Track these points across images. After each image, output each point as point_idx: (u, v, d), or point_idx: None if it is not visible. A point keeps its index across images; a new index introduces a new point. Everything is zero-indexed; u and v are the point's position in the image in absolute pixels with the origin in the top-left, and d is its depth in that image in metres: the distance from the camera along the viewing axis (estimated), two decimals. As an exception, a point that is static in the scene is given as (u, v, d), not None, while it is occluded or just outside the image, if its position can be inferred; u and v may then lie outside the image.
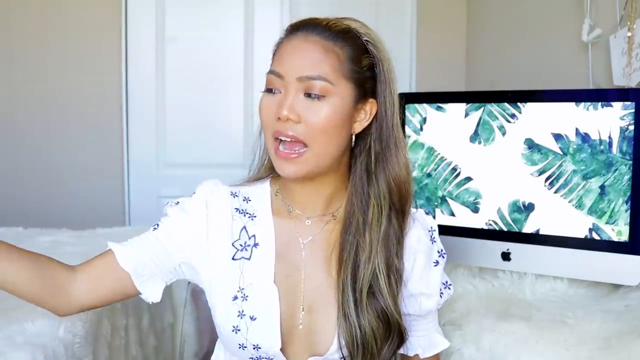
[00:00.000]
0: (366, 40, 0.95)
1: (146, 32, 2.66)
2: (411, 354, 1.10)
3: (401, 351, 1.08)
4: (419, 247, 1.03)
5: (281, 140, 0.93)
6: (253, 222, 1.01)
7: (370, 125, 0.98)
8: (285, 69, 0.93)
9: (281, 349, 0.97)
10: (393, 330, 0.98)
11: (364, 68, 0.95)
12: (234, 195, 1.02)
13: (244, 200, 1.03)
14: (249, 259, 0.99)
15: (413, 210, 1.04)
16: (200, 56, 2.70)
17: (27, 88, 2.62)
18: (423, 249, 1.04)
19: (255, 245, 1.00)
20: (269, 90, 0.95)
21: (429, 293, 1.05)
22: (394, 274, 0.99)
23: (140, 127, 2.69)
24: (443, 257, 1.07)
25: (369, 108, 0.97)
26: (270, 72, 0.95)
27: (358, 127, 0.97)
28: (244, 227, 1.01)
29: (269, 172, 1.06)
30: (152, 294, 0.99)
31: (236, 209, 1.01)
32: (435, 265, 1.05)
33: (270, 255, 1.00)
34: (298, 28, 0.95)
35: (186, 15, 2.68)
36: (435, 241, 1.06)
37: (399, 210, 1.00)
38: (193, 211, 0.99)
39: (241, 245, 1.00)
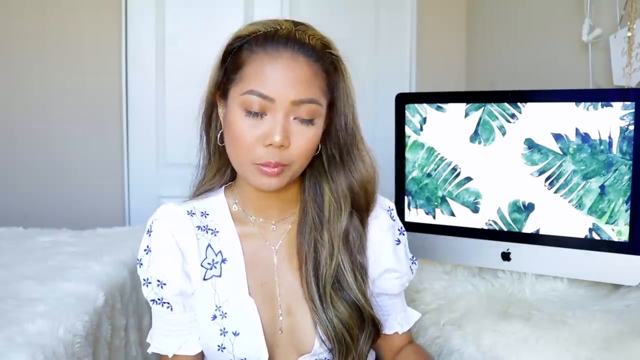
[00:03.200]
0: (330, 52, 0.94)
1: (146, 32, 2.66)
2: (390, 333, 1.08)
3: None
4: (383, 233, 1.04)
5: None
6: (217, 237, 0.99)
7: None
8: (277, 92, 0.88)
9: (269, 357, 0.97)
10: (367, 322, 0.98)
11: (332, 81, 0.95)
12: (191, 213, 0.99)
13: (202, 215, 1.00)
14: (219, 276, 0.98)
15: None
16: (200, 56, 2.68)
17: (27, 88, 2.62)
18: (386, 230, 1.04)
19: (224, 261, 0.98)
20: (251, 113, 0.89)
21: (400, 270, 1.05)
22: (358, 269, 0.99)
23: (140, 127, 2.69)
24: (403, 234, 1.08)
25: (330, 114, 0.97)
26: (256, 93, 0.88)
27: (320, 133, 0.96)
28: (209, 245, 0.98)
29: (217, 179, 1.04)
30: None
31: (197, 226, 0.98)
32: (397, 244, 1.06)
33: (240, 268, 0.98)
34: (280, 43, 0.90)
35: (186, 16, 2.68)
36: (395, 219, 1.07)
37: (362, 209, 1.00)
38: (166, 251, 0.96)
39: (209, 263, 0.98)
